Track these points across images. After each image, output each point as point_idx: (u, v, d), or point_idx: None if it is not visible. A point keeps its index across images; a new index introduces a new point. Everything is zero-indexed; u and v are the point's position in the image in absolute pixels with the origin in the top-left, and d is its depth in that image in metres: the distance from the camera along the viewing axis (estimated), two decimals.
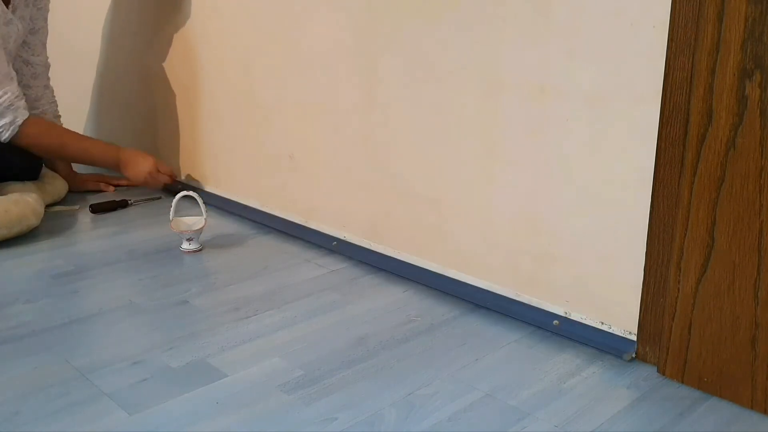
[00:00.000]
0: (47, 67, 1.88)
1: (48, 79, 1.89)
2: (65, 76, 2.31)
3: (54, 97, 1.92)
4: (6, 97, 1.63)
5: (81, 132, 2.32)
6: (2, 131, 1.65)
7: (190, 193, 1.54)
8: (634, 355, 1.06)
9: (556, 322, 1.13)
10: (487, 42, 1.15)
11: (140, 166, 1.79)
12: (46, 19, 1.83)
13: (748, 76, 0.87)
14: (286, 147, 1.59)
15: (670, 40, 0.94)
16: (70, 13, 2.23)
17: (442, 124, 1.25)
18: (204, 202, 1.54)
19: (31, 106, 1.81)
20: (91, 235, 1.60)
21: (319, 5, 1.43)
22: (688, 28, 0.92)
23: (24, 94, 1.75)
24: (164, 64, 1.91)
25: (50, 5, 1.84)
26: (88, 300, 1.26)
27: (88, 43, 2.20)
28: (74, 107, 2.31)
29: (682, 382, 1.01)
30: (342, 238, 1.49)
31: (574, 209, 1.10)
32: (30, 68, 1.82)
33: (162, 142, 1.99)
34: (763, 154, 0.88)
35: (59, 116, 1.94)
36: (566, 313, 1.14)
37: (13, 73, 1.67)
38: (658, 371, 1.03)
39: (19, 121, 1.65)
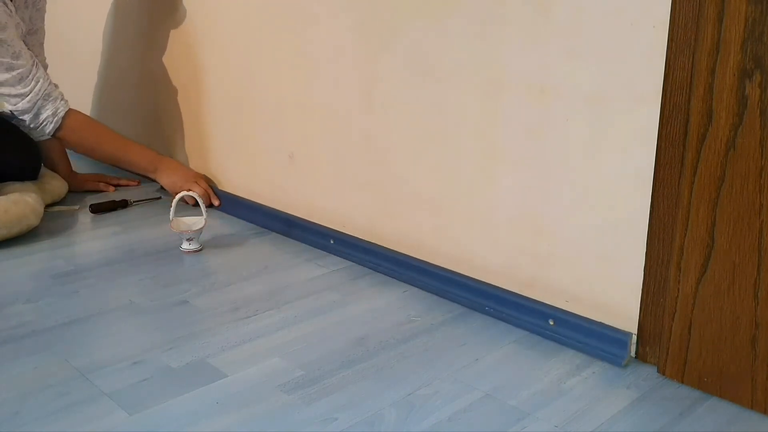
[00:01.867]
0: (45, 67, 1.87)
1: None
2: (67, 77, 2.31)
3: None
4: (40, 84, 1.56)
5: None
6: (45, 125, 1.56)
7: (190, 193, 1.54)
8: (634, 356, 1.06)
9: (552, 321, 1.13)
10: (487, 42, 1.15)
11: (177, 177, 1.72)
12: (43, 20, 1.82)
13: (748, 76, 0.87)
14: (286, 146, 1.59)
15: (670, 40, 0.94)
16: (71, 14, 2.23)
17: (442, 124, 1.25)
18: (204, 202, 1.54)
19: None
20: (91, 235, 1.60)
21: (319, 5, 1.43)
22: (688, 28, 0.92)
23: None
24: (164, 65, 1.91)
25: (52, 6, 1.84)
26: (88, 300, 1.26)
27: (88, 43, 2.20)
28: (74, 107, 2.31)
29: (682, 382, 1.01)
30: (342, 237, 1.49)
31: (574, 209, 1.10)
32: None
33: (161, 142, 1.99)
34: (763, 154, 0.88)
35: None
36: (566, 312, 1.14)
37: (37, 60, 1.60)
38: (658, 371, 1.03)
39: (62, 112, 1.58)
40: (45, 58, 1.88)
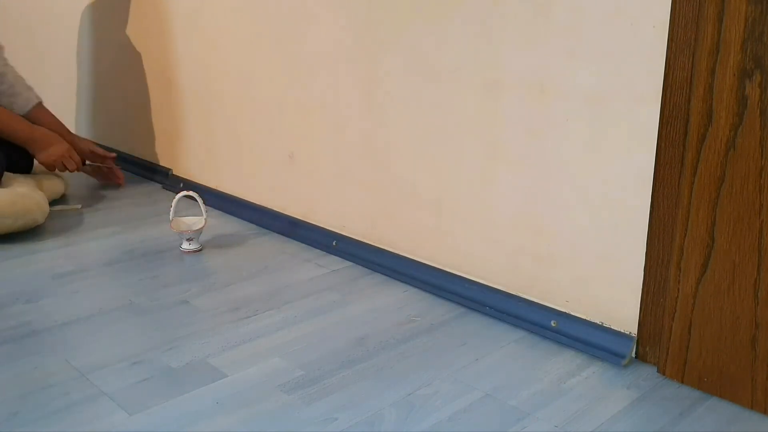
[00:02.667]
0: (2, 48, 1.85)
1: (5, 59, 1.85)
2: (64, 75, 2.31)
3: (18, 73, 1.88)
4: None
5: (78, 131, 2.32)
6: None
7: (190, 193, 1.54)
8: (634, 356, 1.06)
9: (554, 322, 1.13)
10: (487, 42, 1.16)
11: (53, 149, 1.78)
12: None
13: (748, 76, 0.87)
14: (286, 147, 1.59)
15: (670, 40, 0.94)
16: (70, 13, 2.23)
17: (442, 124, 1.25)
18: (204, 202, 1.54)
19: None
20: (91, 235, 1.60)
21: (319, 5, 1.43)
22: (688, 28, 0.92)
23: None
24: (163, 65, 1.91)
25: (47, 3, 1.82)
26: (88, 300, 1.26)
27: (87, 42, 2.20)
28: (72, 108, 2.31)
29: (682, 382, 1.01)
30: (342, 238, 1.49)
31: (574, 209, 1.10)
32: None
33: (162, 142, 1.99)
34: (763, 154, 0.88)
35: (31, 88, 1.89)
36: (566, 313, 1.14)
37: None
38: (658, 371, 1.03)
39: None
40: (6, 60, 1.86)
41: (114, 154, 1.97)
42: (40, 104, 1.88)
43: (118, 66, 2.12)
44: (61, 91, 2.05)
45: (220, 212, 1.75)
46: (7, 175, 1.68)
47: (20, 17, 2.08)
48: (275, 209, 1.66)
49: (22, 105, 1.84)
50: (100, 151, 1.94)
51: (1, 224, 1.49)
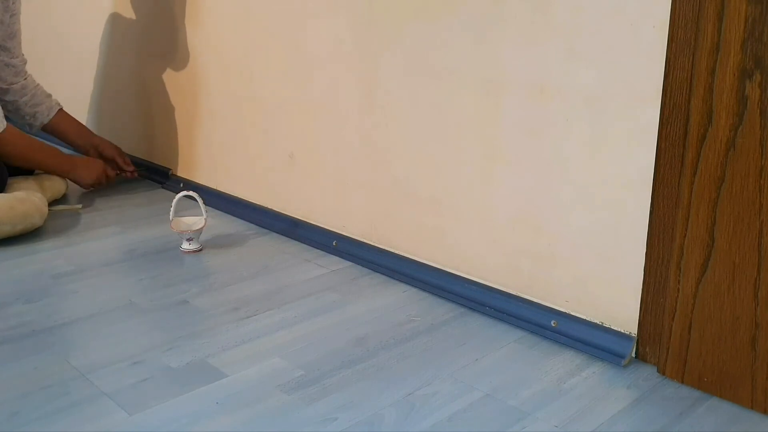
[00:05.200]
0: (25, 62, 1.89)
1: (26, 71, 1.90)
2: (62, 75, 2.32)
3: (35, 81, 1.92)
4: None
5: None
6: None
7: (190, 193, 1.54)
8: (634, 356, 1.06)
9: (554, 322, 1.13)
10: (487, 42, 1.16)
11: (89, 172, 1.86)
12: (20, 22, 1.84)
13: (748, 76, 0.87)
14: (286, 146, 1.59)
15: (670, 40, 0.94)
16: (71, 13, 2.23)
17: (441, 124, 1.25)
18: (204, 202, 1.54)
19: (20, 92, 1.85)
20: (91, 235, 1.60)
21: (319, 5, 1.43)
22: (688, 28, 0.92)
23: (8, 90, 1.83)
24: (164, 65, 1.91)
25: (50, 6, 1.84)
26: (88, 300, 1.26)
27: (86, 43, 2.20)
28: (70, 106, 2.31)
29: (682, 382, 1.01)
30: (342, 238, 1.49)
31: (574, 209, 1.10)
32: (11, 69, 1.83)
33: (161, 142, 1.99)
34: (763, 154, 0.88)
35: (50, 95, 1.93)
36: (566, 313, 1.14)
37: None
38: (658, 371, 1.03)
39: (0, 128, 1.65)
40: (23, 55, 1.88)
41: (134, 169, 2.00)
42: (60, 110, 1.94)
43: (117, 67, 2.12)
44: (60, 92, 2.05)
45: (220, 212, 1.75)
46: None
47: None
48: (275, 209, 1.66)
49: (45, 113, 1.90)
50: (121, 162, 1.97)
51: (0, 230, 1.49)
